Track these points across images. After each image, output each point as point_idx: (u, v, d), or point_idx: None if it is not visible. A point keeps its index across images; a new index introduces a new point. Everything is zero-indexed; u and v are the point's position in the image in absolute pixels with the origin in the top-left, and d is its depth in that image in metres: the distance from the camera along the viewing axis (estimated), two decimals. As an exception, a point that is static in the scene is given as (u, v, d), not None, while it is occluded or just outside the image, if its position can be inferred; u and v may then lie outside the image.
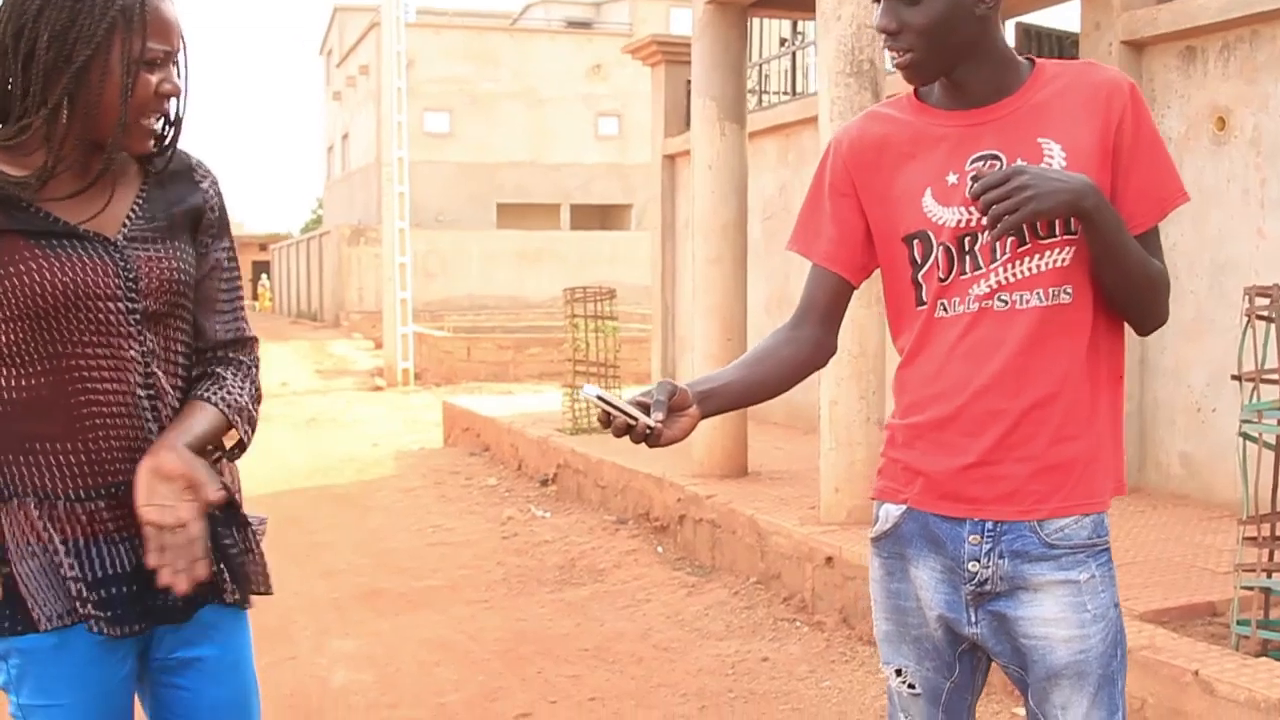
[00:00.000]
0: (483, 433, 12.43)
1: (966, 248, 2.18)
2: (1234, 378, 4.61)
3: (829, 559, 6.12)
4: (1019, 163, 2.11)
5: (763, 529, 6.76)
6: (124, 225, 2.15)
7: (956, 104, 2.23)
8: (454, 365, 22.20)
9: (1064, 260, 2.13)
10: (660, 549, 7.80)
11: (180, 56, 2.15)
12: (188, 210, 2.25)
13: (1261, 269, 6.39)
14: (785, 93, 11.60)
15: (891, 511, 2.33)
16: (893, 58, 2.24)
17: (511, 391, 18.86)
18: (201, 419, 2.18)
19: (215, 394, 2.24)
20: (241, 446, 2.30)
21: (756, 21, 11.12)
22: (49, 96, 2.05)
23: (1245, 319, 4.51)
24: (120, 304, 2.10)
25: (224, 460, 2.32)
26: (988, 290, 2.16)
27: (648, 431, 2.11)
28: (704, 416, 2.23)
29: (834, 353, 2.44)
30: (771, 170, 10.81)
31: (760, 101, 12.00)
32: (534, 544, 8.17)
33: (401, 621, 6.48)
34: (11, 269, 2.03)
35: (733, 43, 8.18)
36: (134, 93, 2.07)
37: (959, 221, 2.18)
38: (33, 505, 2.09)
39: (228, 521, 2.26)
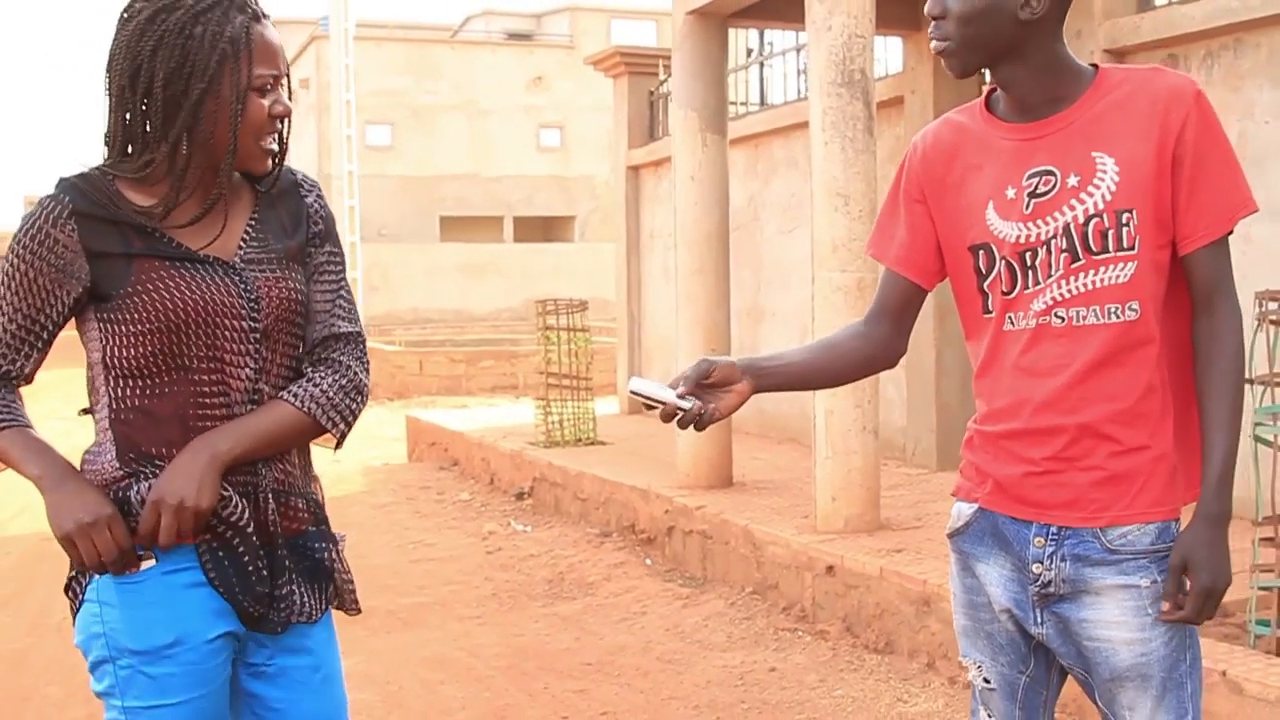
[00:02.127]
0: (450, 447, 12.36)
1: (1028, 262, 2.21)
2: (1245, 381, 4.67)
3: (830, 568, 6.13)
4: (1201, 583, 2.16)
5: (758, 539, 6.77)
6: (240, 248, 2.27)
7: (1017, 115, 2.26)
8: (405, 380, 22.05)
9: (1123, 276, 2.16)
10: (649, 561, 7.79)
11: (285, 79, 2.27)
12: (299, 234, 2.36)
13: (1250, 274, 6.47)
14: (754, 103, 11.63)
15: (964, 510, 2.38)
16: (933, 44, 2.27)
17: (466, 405, 18.77)
18: (262, 417, 2.26)
19: (291, 391, 2.30)
20: (341, 437, 2.37)
21: (722, 32, 11.15)
22: (169, 131, 2.16)
23: (1257, 323, 4.57)
24: (244, 321, 2.23)
25: (316, 481, 2.44)
26: (1045, 306, 2.20)
27: (699, 414, 2.19)
28: (758, 392, 2.31)
29: (902, 354, 2.51)
30: (740, 181, 10.84)
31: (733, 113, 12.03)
32: (519, 558, 8.14)
33: (396, 640, 6.43)
34: (148, 286, 2.17)
35: (713, 53, 8.20)
36: (247, 118, 2.18)
37: (1019, 237, 2.22)
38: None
39: (321, 536, 2.36)
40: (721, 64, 8.31)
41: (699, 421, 2.21)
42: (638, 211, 13.08)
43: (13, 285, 2.19)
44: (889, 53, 9.45)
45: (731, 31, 11.26)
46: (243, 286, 2.23)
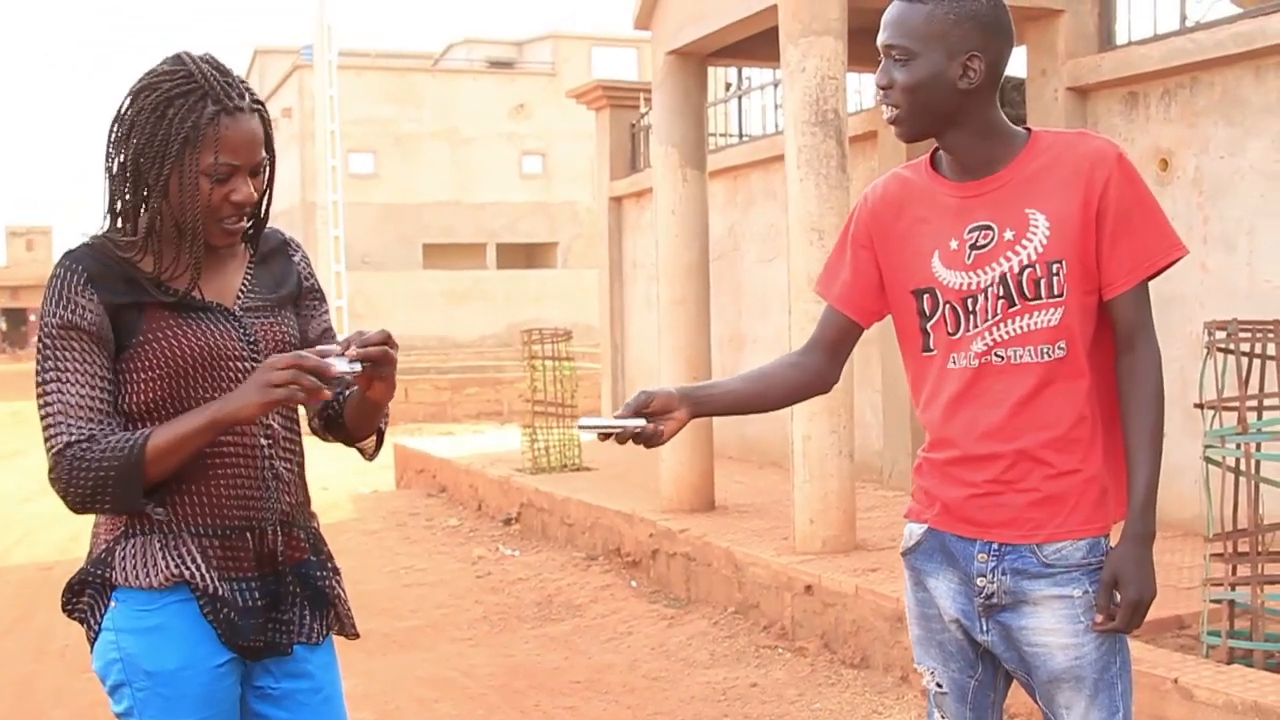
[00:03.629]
0: (438, 474, 12.60)
1: (969, 308, 2.47)
2: (1197, 406, 4.96)
3: (808, 587, 6.40)
4: (1129, 597, 2.41)
5: (740, 561, 7.03)
6: (239, 298, 2.49)
7: (958, 174, 2.52)
8: (391, 406, 22.10)
9: (1053, 320, 2.41)
10: (634, 583, 8.04)
11: (263, 168, 2.44)
12: (289, 285, 2.61)
13: (1206, 302, 6.79)
14: (733, 135, 11.94)
15: (915, 530, 2.63)
16: (884, 113, 2.54)
17: (452, 432, 18.96)
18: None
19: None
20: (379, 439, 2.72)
21: (701, 67, 11.45)
22: (141, 207, 2.37)
23: (1206, 351, 4.86)
24: (245, 363, 2.43)
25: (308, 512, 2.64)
26: (985, 347, 2.46)
27: (643, 434, 2.45)
28: (695, 417, 2.58)
29: (834, 383, 2.75)
30: (720, 212, 11.12)
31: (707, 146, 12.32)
32: (508, 582, 8.38)
33: (391, 661, 6.67)
34: (158, 334, 2.37)
35: (692, 91, 8.50)
36: (205, 203, 2.35)
37: (961, 284, 2.48)
38: (157, 541, 2.38)
39: (320, 565, 2.59)
40: (701, 102, 8.61)
41: (649, 440, 2.47)
42: (620, 241, 13.37)
43: (70, 356, 2.32)
44: (863, 88, 9.76)
45: (713, 68, 11.58)
46: (242, 331, 2.44)
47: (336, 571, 2.62)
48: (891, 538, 7.16)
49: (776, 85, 10.58)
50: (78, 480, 2.26)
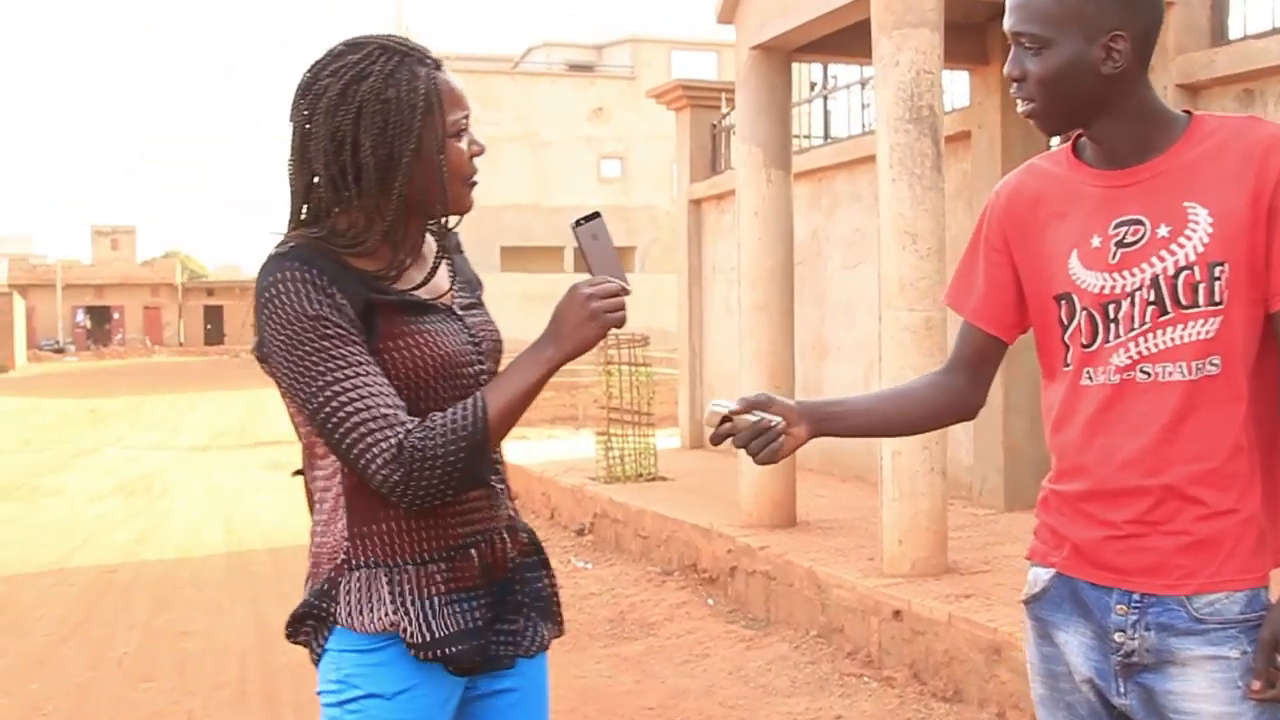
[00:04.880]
0: (510, 481, 12.31)
1: (1110, 315, 2.13)
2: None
3: (897, 612, 6.04)
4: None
5: (823, 581, 6.68)
6: (454, 296, 2.31)
7: (1105, 162, 2.19)
8: (465, 411, 22.05)
9: (1209, 332, 2.07)
10: (711, 601, 7.71)
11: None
12: (477, 282, 2.42)
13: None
14: (817, 137, 11.59)
15: (1041, 575, 2.29)
16: (1019, 106, 2.22)
17: (526, 437, 18.72)
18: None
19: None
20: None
21: (786, 65, 11.12)
22: (387, 195, 2.17)
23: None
24: (475, 368, 2.25)
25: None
26: (1128, 361, 2.12)
27: (767, 435, 2.16)
28: (816, 436, 2.27)
29: (979, 407, 2.43)
30: (804, 215, 10.77)
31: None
32: (580, 596, 8.09)
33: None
34: (396, 340, 2.16)
35: (777, 88, 8.16)
36: (452, 165, 2.20)
37: (1102, 287, 2.14)
38: (383, 575, 2.18)
39: (542, 564, 2.41)
40: (786, 99, 8.27)
41: (766, 453, 2.18)
42: (699, 245, 13.06)
43: (348, 350, 2.10)
44: (956, 87, 9.37)
45: (795, 65, 11.25)
46: (469, 333, 2.26)
47: (551, 567, 2.45)
48: (985, 560, 6.78)
49: (864, 84, 10.21)
50: (427, 475, 2.07)
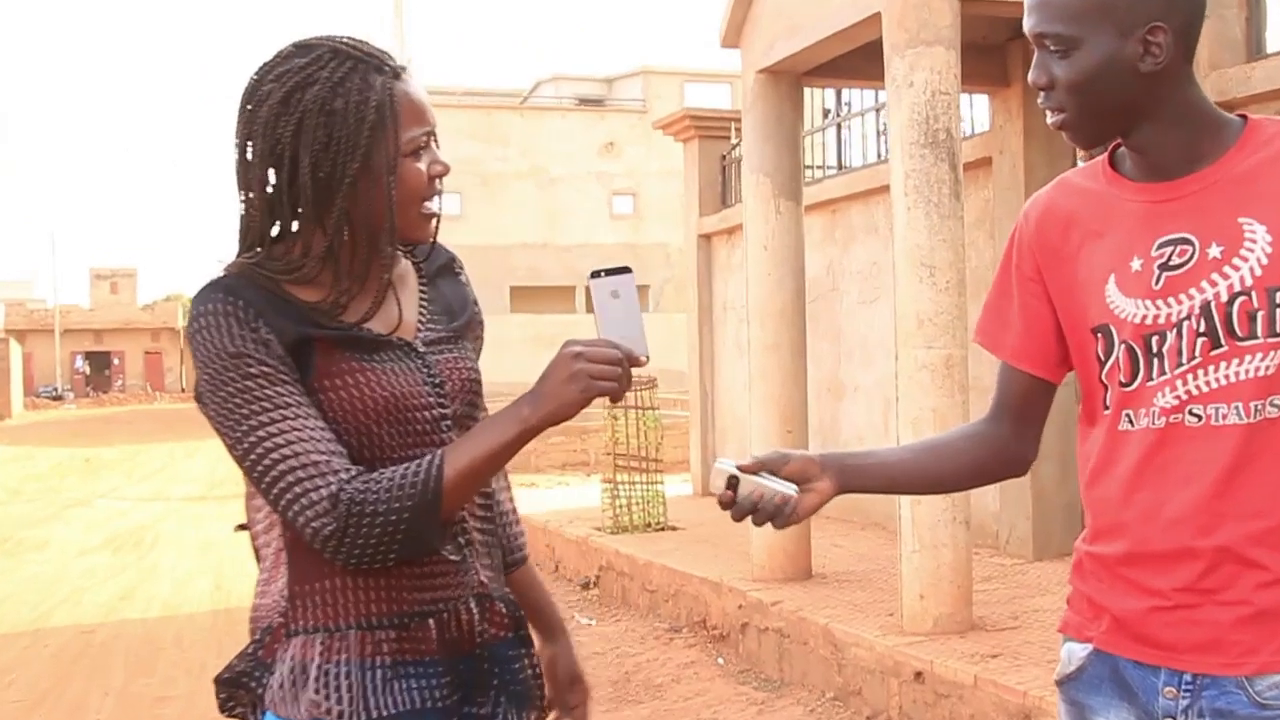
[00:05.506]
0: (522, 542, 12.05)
1: (1153, 349, 1.87)
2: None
3: (918, 674, 5.74)
4: None
5: (839, 640, 6.38)
6: (419, 330, 2.09)
7: (1147, 175, 1.93)
8: (472, 456, 21.86)
9: (1268, 368, 1.81)
10: (721, 660, 7.42)
11: (434, 133, 2.07)
12: (466, 312, 2.20)
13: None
14: (831, 167, 11.34)
15: (1076, 651, 2.02)
16: (1048, 118, 1.96)
17: (535, 484, 18.52)
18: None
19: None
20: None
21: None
22: (325, 217, 1.97)
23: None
24: (433, 411, 2.03)
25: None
26: (1175, 402, 1.86)
27: (783, 506, 1.93)
28: (844, 492, 2.04)
29: (1030, 461, 2.16)
30: (818, 249, 10.53)
31: (804, 177, 11.75)
32: (582, 656, 7.77)
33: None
34: (334, 380, 1.96)
35: (786, 114, 7.92)
36: (406, 187, 2.00)
37: (1143, 317, 1.88)
38: (318, 644, 1.95)
39: (520, 643, 2.15)
40: (795, 126, 8.02)
41: (778, 518, 1.95)
42: (710, 282, 12.82)
43: (276, 390, 1.90)
44: (976, 112, 9.13)
45: (807, 92, 11.02)
46: (427, 372, 2.04)
47: (533, 647, 2.19)
48: (1013, 615, 6.48)
49: (879, 110, 9.97)
50: (365, 533, 1.85)
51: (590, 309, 1.98)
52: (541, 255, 40.94)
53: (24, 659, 8.32)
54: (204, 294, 1.94)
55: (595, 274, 1.98)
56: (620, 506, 10.58)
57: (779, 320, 7.80)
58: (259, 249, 2.02)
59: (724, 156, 12.50)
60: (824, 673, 6.50)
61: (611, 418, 10.96)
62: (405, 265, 2.15)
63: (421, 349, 2.06)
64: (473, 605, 2.04)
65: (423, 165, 2.01)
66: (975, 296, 8.22)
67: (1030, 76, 1.94)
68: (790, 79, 7.92)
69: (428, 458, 1.90)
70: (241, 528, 2.11)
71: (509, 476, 2.32)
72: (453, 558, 2.01)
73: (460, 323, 2.16)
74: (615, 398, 1.92)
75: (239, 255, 2.03)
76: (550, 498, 13.96)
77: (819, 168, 11.22)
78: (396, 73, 2.00)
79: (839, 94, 11.14)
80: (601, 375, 1.88)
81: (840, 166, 11.13)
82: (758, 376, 7.91)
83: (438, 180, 2.05)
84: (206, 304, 1.92)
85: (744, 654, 7.38)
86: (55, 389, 62.53)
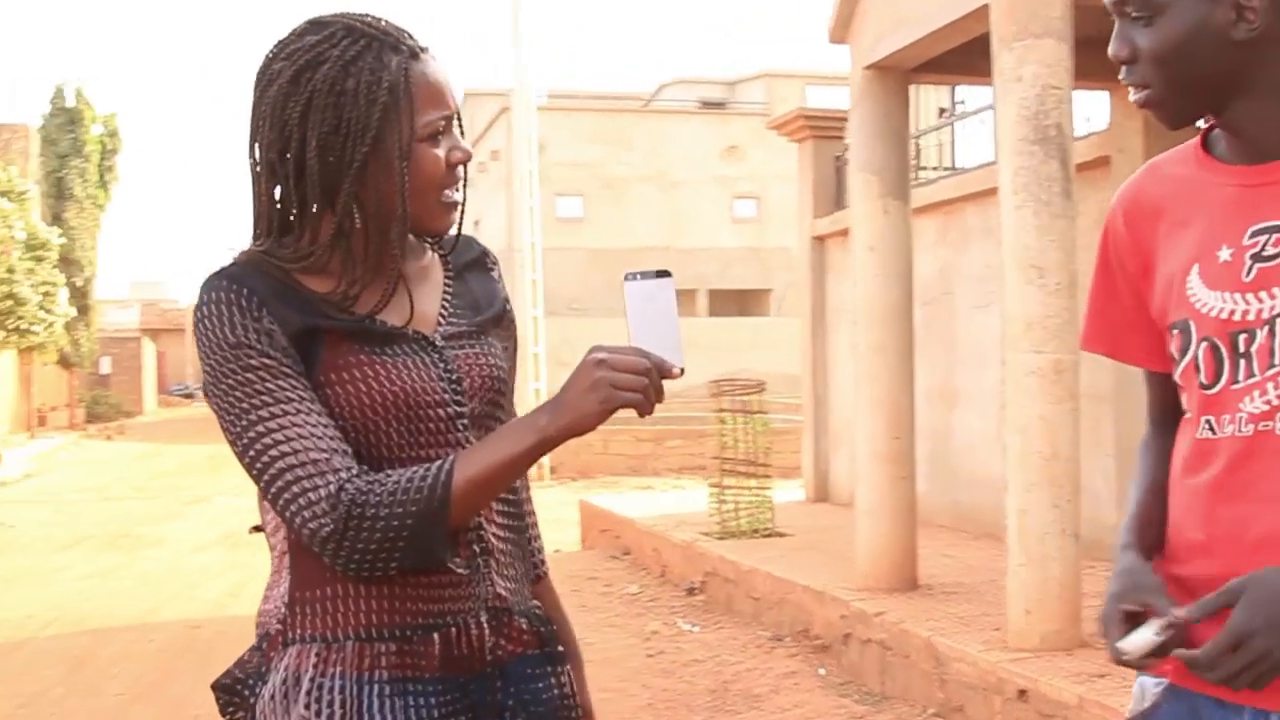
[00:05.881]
0: (622, 534, 11.97)
1: (1240, 348, 1.68)
2: None
3: (1022, 692, 5.50)
4: (1243, 612, 1.59)
5: (941, 654, 6.16)
6: (439, 324, 1.99)
7: (1242, 156, 1.74)
8: (590, 458, 21.83)
9: None
10: (823, 671, 7.21)
11: (457, 118, 1.96)
12: (494, 306, 2.10)
13: None
14: (944, 168, 11.07)
15: (1149, 686, 1.85)
16: (1131, 95, 1.77)
17: (651, 487, 18.45)
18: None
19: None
20: None
21: (911, 92, 10.65)
22: (333, 205, 1.89)
23: None
24: (448, 409, 1.92)
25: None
26: (1265, 408, 1.67)
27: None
28: None
29: None
30: (930, 251, 10.27)
31: (915, 178, 11.49)
32: (682, 663, 7.64)
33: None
34: (341, 373, 1.86)
35: (894, 111, 7.69)
36: (421, 174, 1.89)
37: (1230, 312, 1.69)
38: (312, 656, 1.86)
39: (549, 659, 2.02)
40: (903, 123, 7.79)
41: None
42: (823, 284, 12.59)
43: (278, 384, 1.82)
44: (1094, 108, 8.82)
45: (924, 91, 10.77)
46: (444, 367, 1.94)
47: (565, 668, 2.03)
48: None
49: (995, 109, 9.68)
50: (365, 537, 1.75)
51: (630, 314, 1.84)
52: (663, 259, 40.78)
53: (130, 653, 8.39)
54: (209, 282, 1.86)
55: (630, 276, 1.85)
56: (727, 511, 10.41)
57: (886, 322, 7.58)
58: (271, 236, 1.92)
59: (838, 157, 12.27)
60: (926, 688, 6.28)
61: (719, 422, 10.79)
62: (431, 258, 2.06)
63: (440, 343, 1.96)
64: (483, 620, 1.92)
65: (441, 151, 1.90)
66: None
67: (1110, 49, 1.76)
68: (898, 75, 7.70)
69: (438, 462, 1.80)
70: (256, 529, 2.02)
71: (529, 486, 2.20)
72: (460, 571, 1.89)
73: (485, 317, 2.05)
74: (642, 411, 1.77)
75: (252, 243, 1.94)
76: (663, 501, 13.82)
77: (934, 169, 10.96)
78: (415, 52, 1.89)
79: (953, 93, 10.87)
80: (625, 385, 1.75)
81: (953, 167, 10.85)
82: (864, 379, 7.70)
83: (460, 168, 1.95)
84: (210, 292, 1.84)
85: (846, 665, 7.17)
86: (186, 387, 63.76)
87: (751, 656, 7.67)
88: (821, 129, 12.22)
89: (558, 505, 17.21)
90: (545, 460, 21.35)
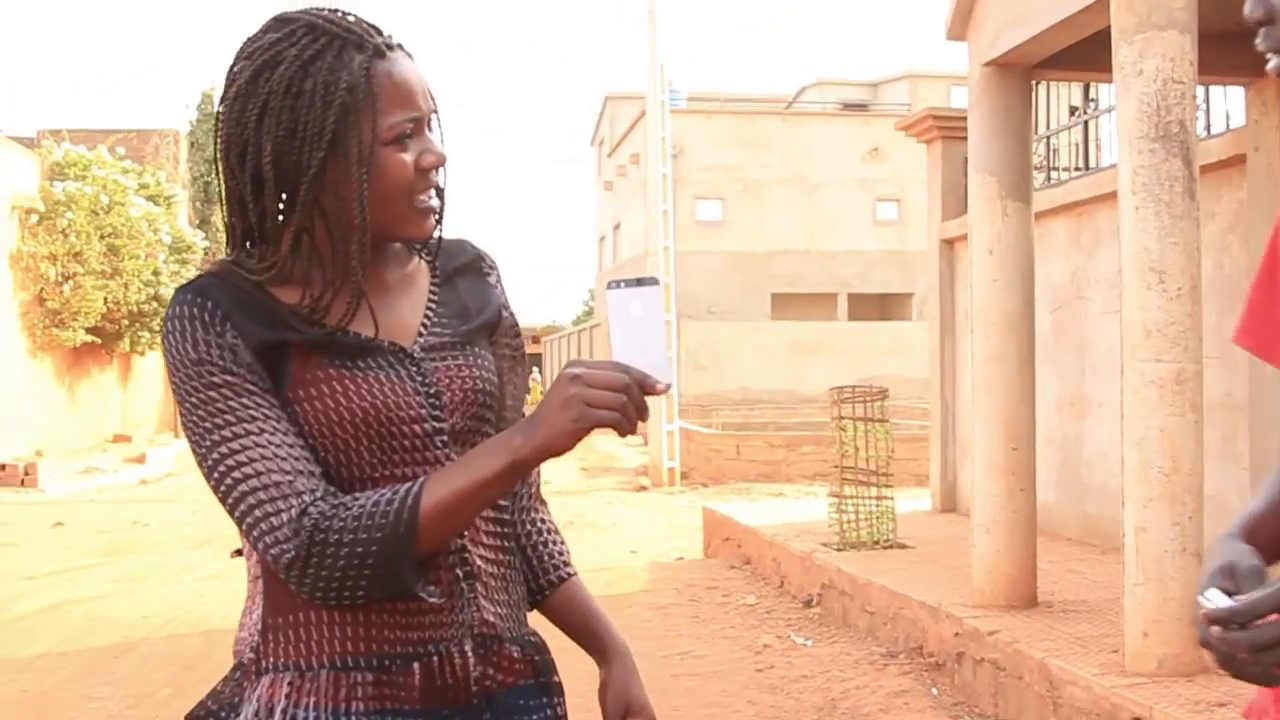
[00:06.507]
0: (743, 543, 11.76)
1: None
2: None
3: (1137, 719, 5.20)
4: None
5: (1054, 676, 5.87)
6: (420, 334, 1.90)
7: None
8: (722, 464, 21.66)
9: None
10: (935, 690, 6.95)
11: (434, 118, 1.87)
12: (486, 313, 2.00)
13: None
14: (1077, 168, 10.68)
15: None
16: (1270, 63, 1.56)
17: (783, 494, 18.19)
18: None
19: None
20: None
21: (1043, 90, 10.29)
22: (290, 215, 1.81)
23: None
24: (425, 425, 1.83)
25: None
26: None
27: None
28: None
29: None
30: (1061, 255, 9.91)
31: (1048, 178, 11.12)
32: (791, 679, 7.43)
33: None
34: (309, 389, 1.78)
35: (1014, 109, 7.39)
36: (386, 179, 1.80)
37: None
38: (285, 686, 1.78)
39: (544, 691, 1.95)
40: (1024, 122, 7.48)
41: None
42: (952, 289, 12.25)
43: (243, 402, 1.75)
44: (1228, 105, 8.40)
45: (1053, 89, 10.40)
46: (421, 380, 1.85)
47: (562, 698, 1.98)
48: (1253, 658, 5.84)
49: (1128, 107, 9.29)
50: (326, 563, 1.68)
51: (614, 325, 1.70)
52: (803, 262, 40.54)
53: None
54: (175, 296, 1.80)
55: (613, 284, 1.72)
56: (847, 522, 10.15)
57: (1004, 329, 7.28)
58: (242, 245, 1.86)
59: (966, 158, 11.94)
60: (1039, 711, 5.99)
61: (839, 430, 10.53)
62: (416, 265, 1.97)
63: (418, 355, 1.86)
64: (468, 648, 1.83)
65: (409, 156, 1.81)
66: (1224, 307, 7.54)
67: (1246, 9, 1.56)
68: (1018, 72, 7.39)
69: (406, 485, 1.70)
70: (238, 553, 1.92)
71: (542, 494, 2.13)
72: (432, 600, 1.78)
73: (473, 325, 1.95)
74: (621, 430, 1.65)
75: (226, 252, 1.88)
76: (790, 509, 13.57)
77: (1063, 169, 10.58)
78: (380, 50, 1.80)
79: (1086, 91, 10.48)
80: (600, 403, 1.63)
81: (1086, 167, 10.46)
82: (981, 389, 7.41)
83: (433, 172, 1.85)
84: (174, 306, 1.77)
85: (959, 685, 6.90)
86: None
87: (863, 673, 7.43)
88: (951, 130, 11.89)
89: (685, 511, 17.10)
90: (676, 465, 21.23)
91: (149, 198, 26.04)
